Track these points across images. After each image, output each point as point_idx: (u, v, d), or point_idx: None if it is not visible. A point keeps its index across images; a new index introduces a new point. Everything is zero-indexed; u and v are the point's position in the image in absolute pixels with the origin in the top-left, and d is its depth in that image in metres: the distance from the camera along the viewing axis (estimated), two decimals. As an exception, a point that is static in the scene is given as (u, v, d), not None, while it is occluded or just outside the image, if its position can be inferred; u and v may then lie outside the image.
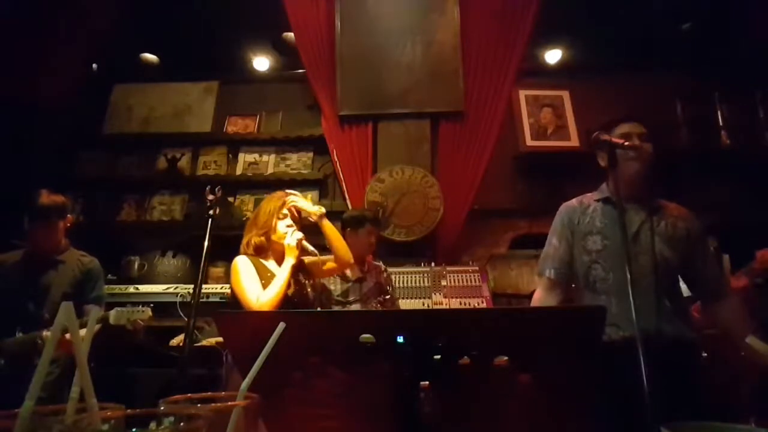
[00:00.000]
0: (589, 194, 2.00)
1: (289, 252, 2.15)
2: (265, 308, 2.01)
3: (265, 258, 2.22)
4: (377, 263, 2.96)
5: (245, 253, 2.21)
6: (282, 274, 2.10)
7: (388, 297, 2.77)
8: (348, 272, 2.79)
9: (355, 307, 2.68)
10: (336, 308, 2.67)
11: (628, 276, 1.37)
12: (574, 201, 2.01)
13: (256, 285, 2.08)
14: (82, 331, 0.49)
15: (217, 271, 3.73)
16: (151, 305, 2.31)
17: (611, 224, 1.85)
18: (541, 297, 1.95)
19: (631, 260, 1.45)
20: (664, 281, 1.72)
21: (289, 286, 2.13)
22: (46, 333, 2.15)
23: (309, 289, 2.29)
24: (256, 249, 2.21)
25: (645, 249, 1.73)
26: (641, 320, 1.35)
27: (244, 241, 2.25)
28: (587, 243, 1.87)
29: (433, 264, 3.48)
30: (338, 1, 4.05)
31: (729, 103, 4.02)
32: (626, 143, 1.61)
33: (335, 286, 2.76)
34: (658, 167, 1.86)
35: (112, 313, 2.22)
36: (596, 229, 1.87)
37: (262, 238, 2.22)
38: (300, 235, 2.21)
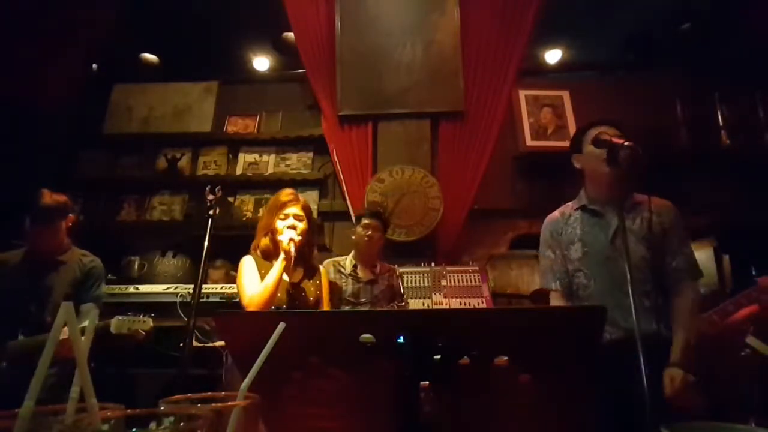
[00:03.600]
0: (570, 203, 2.02)
1: (282, 251, 2.11)
2: (253, 305, 2.00)
3: (275, 260, 2.16)
4: (390, 266, 2.94)
5: (252, 254, 2.20)
6: (272, 272, 2.06)
7: (402, 304, 2.77)
8: (360, 273, 2.78)
9: (365, 308, 2.67)
10: (346, 308, 2.65)
11: (628, 276, 1.37)
12: (556, 213, 2.03)
13: (254, 284, 2.07)
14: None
15: (217, 271, 3.72)
16: (153, 315, 2.29)
17: (590, 231, 1.88)
18: None
19: (610, 262, 1.45)
20: (642, 282, 1.71)
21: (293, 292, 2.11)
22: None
23: (311, 297, 2.21)
24: (264, 252, 2.18)
25: (622, 252, 1.73)
26: (628, 321, 1.35)
27: (253, 243, 2.23)
28: (570, 252, 1.90)
29: (433, 264, 3.48)
30: (338, 1, 4.05)
31: (729, 103, 4.02)
32: (626, 143, 1.61)
33: (347, 286, 2.74)
34: (651, 165, 1.86)
35: (114, 321, 2.18)
36: (577, 237, 1.89)
37: (268, 241, 2.19)
38: (292, 233, 2.12)
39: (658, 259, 1.78)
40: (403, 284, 2.95)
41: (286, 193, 2.25)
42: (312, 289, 2.23)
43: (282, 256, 2.08)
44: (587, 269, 1.84)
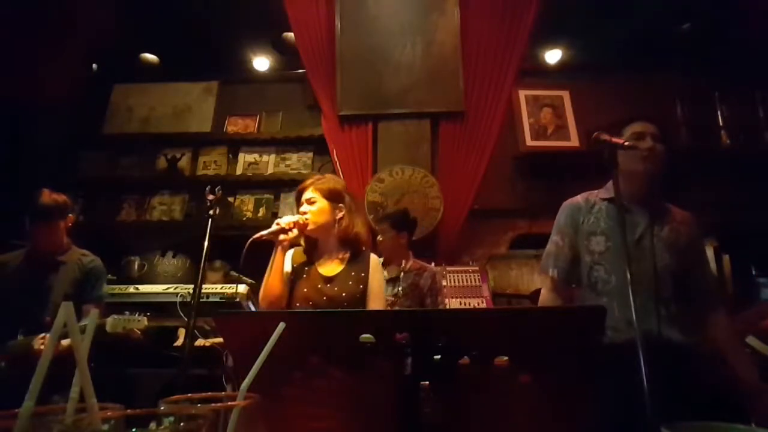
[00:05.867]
0: (595, 191, 1.94)
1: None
2: (262, 302, 1.91)
3: (317, 256, 2.03)
4: (425, 265, 2.98)
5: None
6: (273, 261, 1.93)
7: (429, 303, 2.82)
8: (386, 272, 2.78)
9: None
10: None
11: (628, 277, 1.36)
12: (579, 198, 1.94)
13: (270, 275, 1.94)
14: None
15: (216, 273, 3.71)
16: (149, 314, 2.30)
17: (616, 226, 1.77)
18: (546, 297, 1.91)
19: (632, 263, 1.43)
20: (664, 287, 1.70)
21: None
22: (40, 340, 2.14)
23: (343, 293, 1.95)
24: (306, 249, 2.06)
25: (647, 254, 1.71)
26: (641, 323, 1.33)
27: None
28: (591, 243, 1.82)
29: (433, 264, 3.48)
30: (338, 1, 4.05)
31: (729, 103, 4.03)
32: (626, 143, 1.59)
33: None
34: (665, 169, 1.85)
35: (109, 320, 2.21)
36: (600, 230, 1.83)
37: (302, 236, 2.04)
38: (287, 219, 1.94)
39: (682, 270, 1.75)
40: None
41: (304, 181, 2.08)
42: (349, 284, 1.96)
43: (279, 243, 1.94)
44: (608, 264, 1.78)
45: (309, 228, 1.96)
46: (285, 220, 1.94)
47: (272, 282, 1.91)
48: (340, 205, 2.04)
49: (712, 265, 3.50)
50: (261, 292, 1.93)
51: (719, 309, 1.79)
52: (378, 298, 2.00)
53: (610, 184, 1.90)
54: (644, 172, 1.77)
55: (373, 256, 2.07)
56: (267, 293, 1.91)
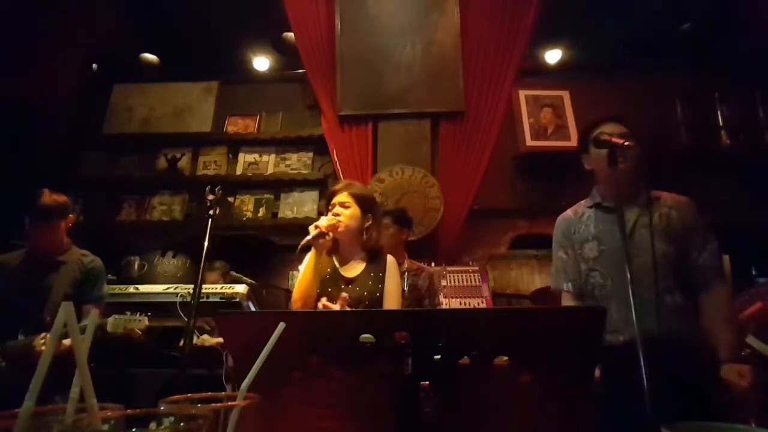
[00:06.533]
0: (582, 202, 1.98)
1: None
2: (294, 304, 1.96)
3: (339, 258, 2.09)
4: (422, 266, 2.93)
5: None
6: (302, 265, 1.99)
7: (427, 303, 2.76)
8: None
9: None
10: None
11: (628, 276, 1.36)
12: (569, 211, 1.99)
13: (305, 276, 1.99)
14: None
15: (214, 273, 3.71)
16: (149, 314, 2.31)
17: (605, 229, 1.82)
18: None
19: (636, 257, 1.42)
20: (664, 278, 1.68)
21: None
22: (41, 340, 2.14)
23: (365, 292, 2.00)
24: (329, 251, 2.09)
25: (642, 247, 1.69)
26: (643, 321, 1.33)
27: None
28: (584, 251, 1.85)
29: (433, 264, 3.48)
30: (338, 1, 4.05)
31: (729, 103, 4.03)
32: (626, 143, 1.60)
33: None
34: (652, 165, 1.84)
35: (110, 320, 2.23)
36: (591, 236, 1.85)
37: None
38: (323, 221, 1.97)
39: (681, 256, 1.73)
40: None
41: (338, 184, 2.13)
42: (369, 284, 2.02)
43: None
44: (603, 268, 1.79)
45: (339, 230, 2.00)
46: (322, 222, 1.98)
47: (308, 283, 1.96)
48: (369, 215, 2.09)
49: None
50: (295, 293, 1.97)
51: (714, 288, 1.73)
52: (393, 298, 2.05)
53: (593, 191, 1.94)
54: (621, 171, 1.72)
55: (390, 258, 2.13)
56: (303, 293, 1.95)
